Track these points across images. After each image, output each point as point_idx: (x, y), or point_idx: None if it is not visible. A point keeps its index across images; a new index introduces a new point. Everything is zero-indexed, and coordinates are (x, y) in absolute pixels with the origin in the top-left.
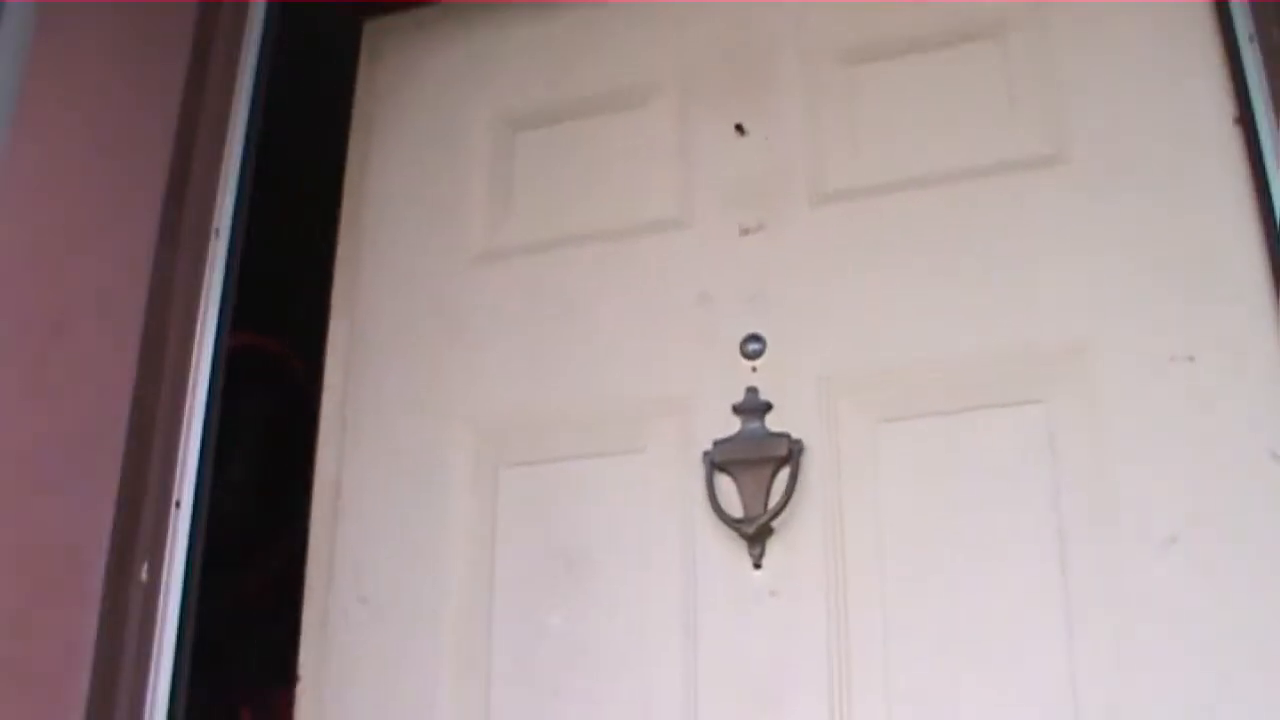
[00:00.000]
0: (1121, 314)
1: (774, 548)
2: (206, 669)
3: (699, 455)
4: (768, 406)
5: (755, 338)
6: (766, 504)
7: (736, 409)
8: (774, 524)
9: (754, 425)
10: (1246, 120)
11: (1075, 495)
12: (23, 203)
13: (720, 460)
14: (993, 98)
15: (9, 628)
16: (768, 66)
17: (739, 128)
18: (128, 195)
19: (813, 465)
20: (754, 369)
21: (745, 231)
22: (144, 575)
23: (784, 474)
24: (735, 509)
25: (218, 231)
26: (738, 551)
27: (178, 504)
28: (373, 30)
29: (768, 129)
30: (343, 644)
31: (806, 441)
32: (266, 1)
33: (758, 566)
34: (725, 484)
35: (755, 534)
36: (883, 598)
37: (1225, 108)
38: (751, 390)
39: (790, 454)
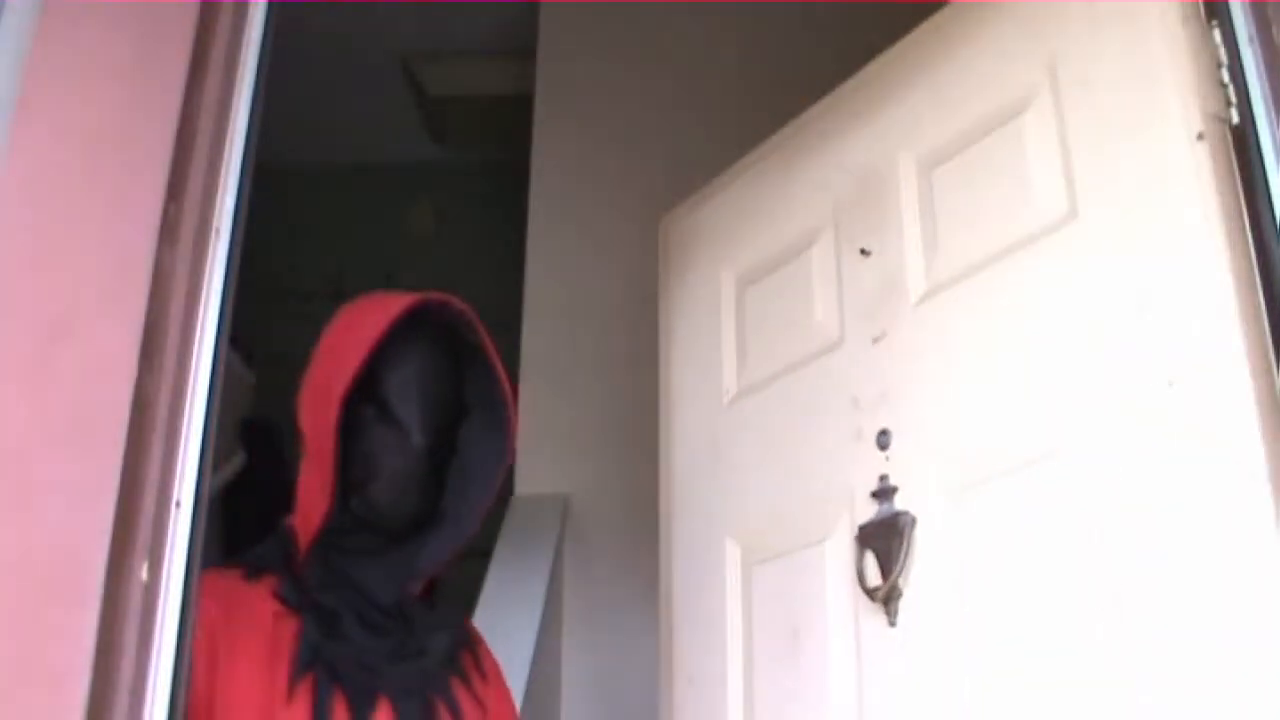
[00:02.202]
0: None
1: (904, 608)
2: None
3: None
4: (895, 489)
5: (884, 431)
6: (892, 573)
7: (874, 494)
8: (902, 588)
9: (886, 506)
10: (1246, 122)
11: None
12: (23, 202)
13: (864, 540)
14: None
15: (8, 628)
16: (878, 187)
17: (863, 251)
18: (128, 195)
19: (928, 535)
20: (886, 458)
21: (875, 340)
22: (144, 575)
23: (904, 545)
24: (875, 579)
25: (218, 231)
26: (880, 613)
27: (178, 504)
28: (666, 221)
29: (880, 244)
30: (681, 713)
31: (920, 515)
32: (267, 1)
33: (892, 625)
34: (870, 559)
35: (887, 598)
36: (987, 644)
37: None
38: (883, 477)
39: (906, 528)
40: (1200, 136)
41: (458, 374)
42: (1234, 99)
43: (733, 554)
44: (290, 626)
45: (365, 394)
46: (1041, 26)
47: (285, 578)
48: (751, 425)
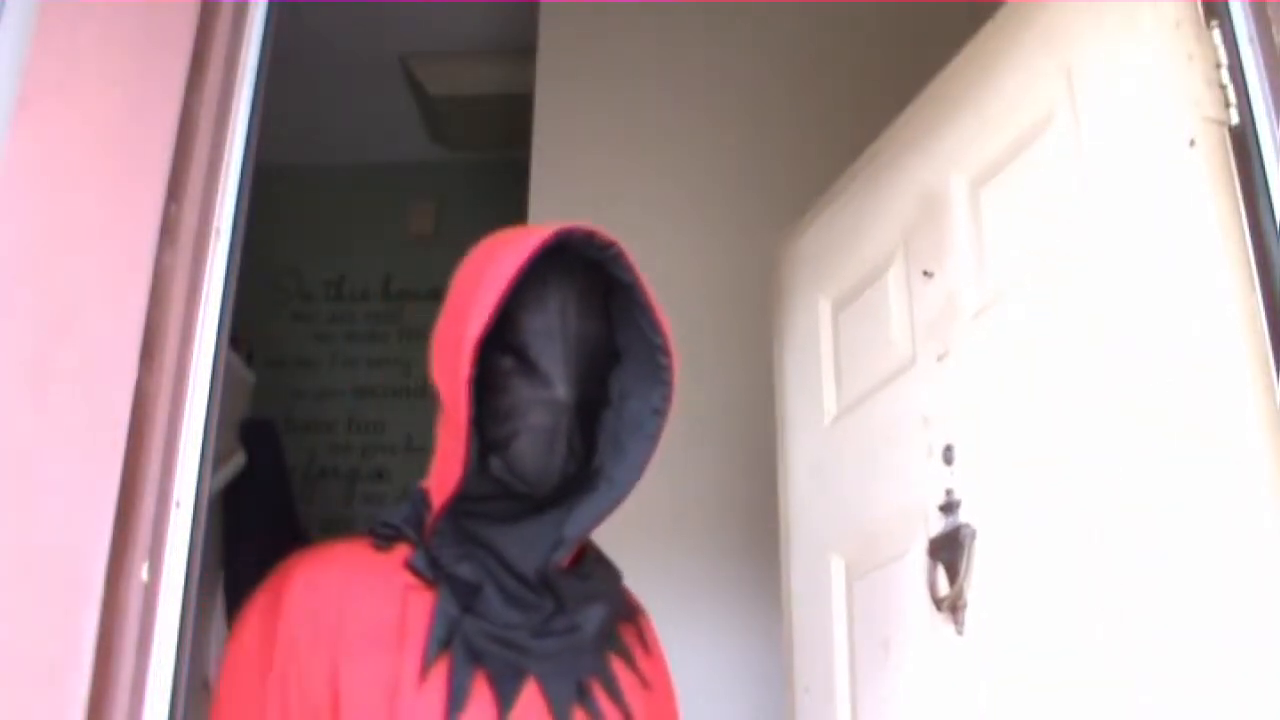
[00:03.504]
0: None
1: (969, 618)
2: None
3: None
4: (959, 502)
5: (949, 447)
6: (956, 584)
7: (940, 508)
8: (968, 598)
9: (951, 519)
10: (1246, 122)
11: None
12: (23, 202)
13: (934, 553)
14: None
15: (8, 627)
16: (936, 209)
17: (925, 273)
18: (128, 195)
19: (987, 546)
20: (951, 473)
21: (939, 358)
22: (144, 575)
23: (966, 557)
24: (945, 590)
25: (218, 231)
26: (950, 623)
27: (178, 504)
28: (776, 248)
29: (940, 265)
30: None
31: (980, 527)
32: (267, 1)
33: (960, 634)
34: (940, 571)
35: (954, 608)
36: (1044, 652)
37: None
38: (949, 491)
39: (967, 540)
40: (1192, 143)
41: (607, 316)
42: (1234, 99)
43: (838, 569)
44: (424, 601)
45: (501, 342)
46: (1059, 38)
47: (420, 547)
48: (848, 445)
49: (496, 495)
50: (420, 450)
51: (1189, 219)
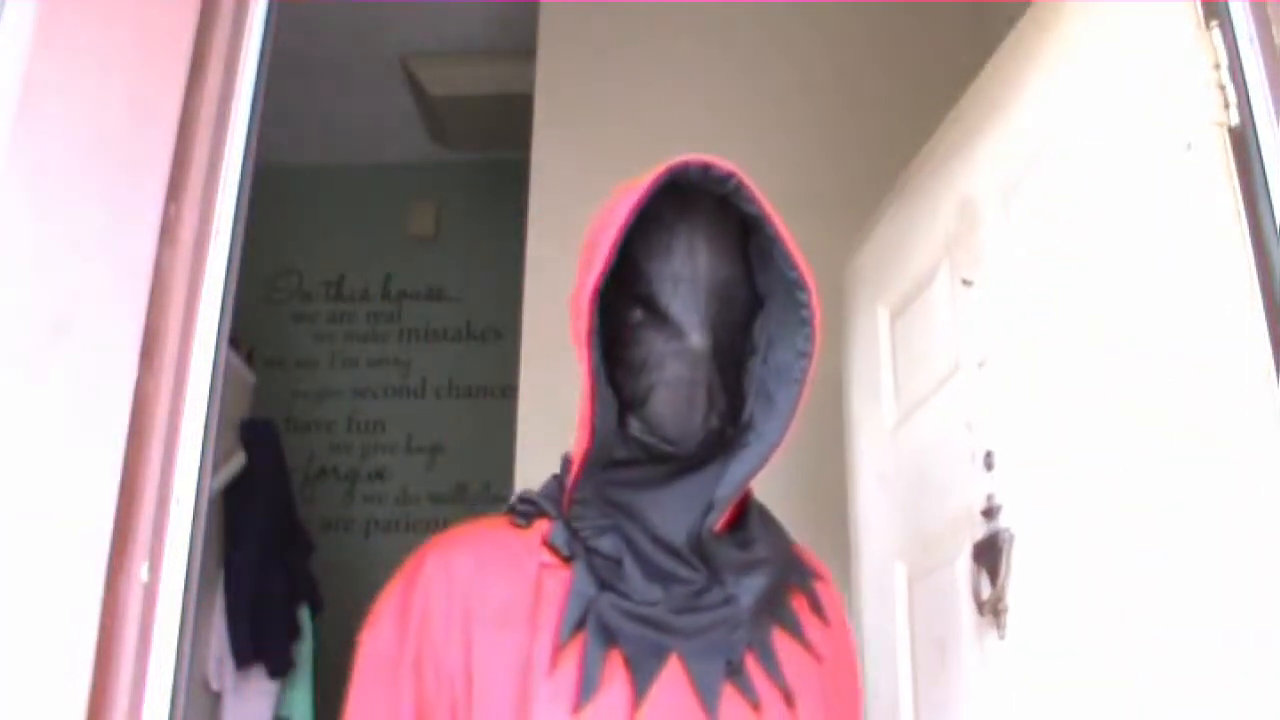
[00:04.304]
0: None
1: (1010, 622)
2: None
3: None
4: (999, 507)
5: (990, 452)
6: (996, 588)
7: (983, 513)
8: (1008, 602)
9: (992, 524)
10: (1246, 123)
11: None
12: (23, 203)
13: (977, 557)
14: None
15: (8, 627)
16: (973, 218)
17: (964, 281)
18: (128, 195)
19: (1025, 551)
20: (992, 478)
21: (979, 365)
22: (144, 575)
23: (1005, 562)
24: (987, 593)
25: (218, 232)
26: (994, 627)
27: (178, 503)
28: (847, 261)
29: (977, 274)
30: None
31: (1018, 532)
32: (267, 1)
33: (1002, 638)
34: (984, 576)
35: (995, 611)
36: (1082, 657)
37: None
38: (990, 496)
39: (1006, 544)
40: (1190, 145)
41: (745, 259)
42: (1234, 100)
43: (900, 574)
44: (561, 579)
45: (630, 293)
46: (1071, 42)
47: (559, 521)
48: (905, 451)
49: (640, 460)
50: (420, 450)
51: (1188, 220)
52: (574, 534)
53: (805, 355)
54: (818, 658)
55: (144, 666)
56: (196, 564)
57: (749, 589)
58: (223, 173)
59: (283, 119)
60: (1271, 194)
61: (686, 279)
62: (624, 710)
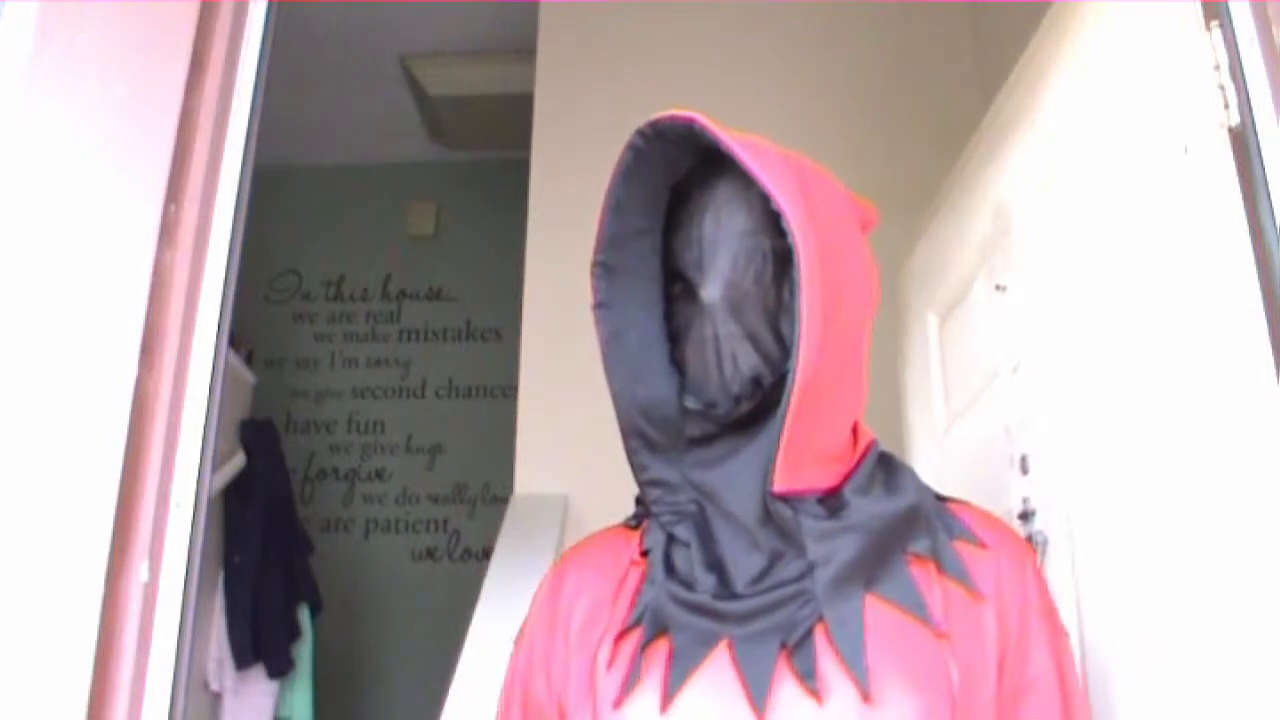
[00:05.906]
0: None
1: None
2: None
3: None
4: (1034, 511)
5: (1025, 456)
6: None
7: (1019, 516)
8: None
9: (1028, 527)
10: (1246, 123)
11: None
12: (23, 203)
13: None
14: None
15: (9, 628)
16: (1004, 224)
17: (998, 287)
18: (128, 195)
19: (1058, 554)
20: (1027, 482)
21: (1014, 370)
22: (144, 575)
23: (1040, 563)
24: None
25: (218, 231)
26: None
27: (177, 504)
28: (903, 267)
29: (1010, 279)
30: None
31: (1052, 536)
32: (267, 1)
33: None
34: None
35: None
36: (1111, 648)
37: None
38: (1025, 499)
39: (1040, 547)
40: (1188, 147)
41: (755, 207)
42: (1234, 100)
43: None
44: (639, 575)
45: (670, 273)
46: (1083, 45)
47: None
48: (955, 453)
49: (711, 434)
50: (420, 450)
51: (1188, 222)
52: (658, 523)
53: (813, 285)
54: (936, 632)
55: (144, 666)
56: (196, 564)
57: (839, 552)
58: (222, 173)
59: (283, 119)
60: (1272, 194)
61: (695, 241)
62: (654, 706)
